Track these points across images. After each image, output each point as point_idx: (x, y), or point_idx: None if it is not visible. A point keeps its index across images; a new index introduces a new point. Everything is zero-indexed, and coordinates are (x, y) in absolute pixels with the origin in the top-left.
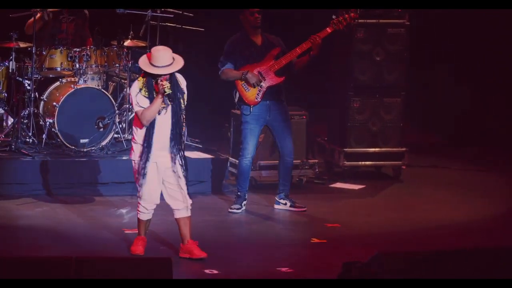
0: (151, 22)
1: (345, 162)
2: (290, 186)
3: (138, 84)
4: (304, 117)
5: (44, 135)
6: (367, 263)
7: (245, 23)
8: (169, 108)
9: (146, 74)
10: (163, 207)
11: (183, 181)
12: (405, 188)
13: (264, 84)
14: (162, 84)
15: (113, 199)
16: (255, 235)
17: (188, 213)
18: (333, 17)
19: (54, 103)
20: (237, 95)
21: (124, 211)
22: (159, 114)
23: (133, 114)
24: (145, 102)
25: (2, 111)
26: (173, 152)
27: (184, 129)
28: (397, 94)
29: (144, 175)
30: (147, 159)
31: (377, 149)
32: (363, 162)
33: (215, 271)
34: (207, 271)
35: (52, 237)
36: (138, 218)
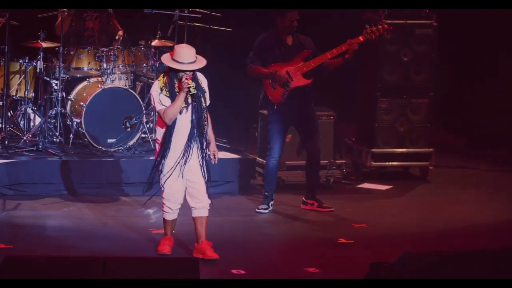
0: (179, 22)
1: (372, 162)
2: (317, 186)
3: (159, 83)
4: (331, 117)
5: (71, 135)
6: (394, 263)
7: (280, 24)
8: (190, 107)
9: (169, 70)
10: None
11: (202, 180)
12: (432, 189)
13: (291, 85)
14: (187, 83)
15: (140, 199)
16: (282, 236)
17: (205, 213)
18: (367, 26)
19: (82, 103)
20: (263, 93)
21: (151, 211)
22: (180, 113)
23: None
24: (167, 101)
25: (30, 111)
26: (193, 151)
27: (205, 128)
28: (424, 95)
29: (165, 180)
30: (167, 158)
31: (404, 150)
32: (390, 163)
33: (242, 271)
34: (234, 271)
35: (80, 237)
36: (164, 218)
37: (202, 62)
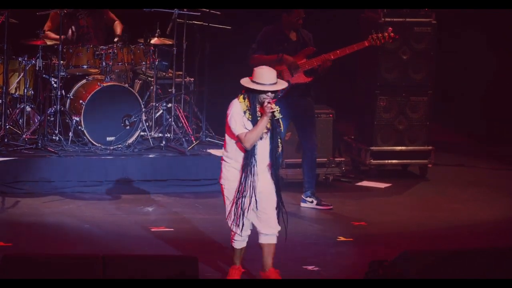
0: (177, 20)
1: (372, 160)
2: (316, 183)
3: (241, 106)
4: (331, 115)
5: (70, 133)
6: (394, 262)
7: (285, 21)
8: (269, 132)
9: (249, 92)
10: (189, 205)
11: (274, 207)
12: (431, 187)
13: (291, 81)
14: (271, 107)
15: (140, 197)
16: (281, 234)
17: (274, 240)
18: (372, 31)
19: (81, 101)
20: None
21: (150, 209)
22: (260, 139)
23: (160, 112)
24: (250, 125)
25: (29, 109)
26: (270, 177)
27: (280, 155)
28: (423, 93)
29: (243, 205)
30: (246, 185)
31: (403, 148)
32: (389, 161)
33: (241, 270)
34: None
35: (79, 235)
36: (233, 247)
37: (283, 84)
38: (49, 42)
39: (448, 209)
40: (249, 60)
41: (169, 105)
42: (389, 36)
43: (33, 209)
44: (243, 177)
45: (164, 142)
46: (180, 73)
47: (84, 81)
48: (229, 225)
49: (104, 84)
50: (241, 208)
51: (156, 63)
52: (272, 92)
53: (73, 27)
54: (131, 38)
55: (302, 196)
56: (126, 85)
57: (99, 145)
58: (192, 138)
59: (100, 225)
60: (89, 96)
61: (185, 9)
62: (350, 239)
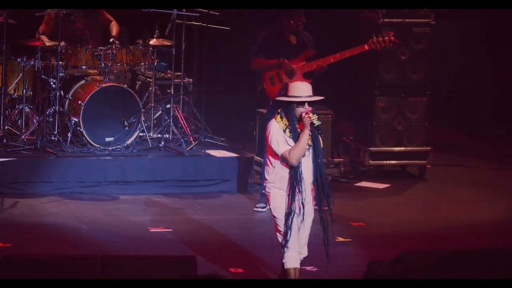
0: (176, 21)
1: (370, 161)
2: None
3: (280, 125)
4: (329, 116)
5: (69, 133)
6: (393, 262)
7: (285, 24)
8: (310, 149)
9: (286, 109)
10: (188, 206)
11: (309, 229)
12: (430, 187)
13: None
14: (309, 117)
15: (139, 197)
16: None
17: (298, 264)
18: (373, 35)
19: (80, 102)
20: (261, 87)
21: (149, 209)
22: (303, 156)
23: (159, 113)
24: (292, 143)
25: (28, 110)
26: (311, 198)
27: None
28: (422, 93)
29: (291, 224)
30: (294, 208)
31: (402, 148)
32: (388, 161)
33: (240, 270)
34: (232, 269)
35: (78, 235)
36: (285, 268)
37: (319, 96)
38: (47, 43)
39: (447, 210)
40: (251, 64)
41: (168, 105)
42: (390, 40)
43: (32, 210)
44: (290, 193)
45: (163, 143)
46: (179, 73)
47: (83, 81)
48: (281, 244)
49: (103, 85)
50: (291, 223)
51: (155, 63)
52: (309, 104)
53: (62, 43)
54: (130, 38)
55: None
56: (125, 86)
57: (98, 145)
58: (191, 139)
59: (99, 226)
60: (88, 97)
61: (184, 10)
62: (349, 240)
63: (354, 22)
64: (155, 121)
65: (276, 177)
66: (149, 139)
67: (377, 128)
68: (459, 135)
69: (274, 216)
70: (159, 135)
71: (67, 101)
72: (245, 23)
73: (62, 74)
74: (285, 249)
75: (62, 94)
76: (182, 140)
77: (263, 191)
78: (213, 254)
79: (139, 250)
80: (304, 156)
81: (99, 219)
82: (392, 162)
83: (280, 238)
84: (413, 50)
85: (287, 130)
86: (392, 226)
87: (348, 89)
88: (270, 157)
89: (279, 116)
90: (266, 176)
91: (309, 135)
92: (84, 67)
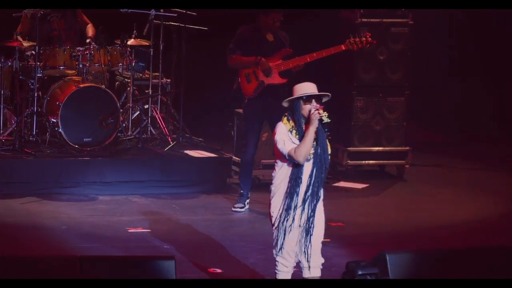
0: (154, 21)
1: (349, 161)
2: None
3: (286, 127)
4: None
5: (47, 134)
6: (372, 262)
7: (262, 22)
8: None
9: (293, 110)
10: (166, 206)
11: (320, 236)
12: (408, 187)
13: (266, 81)
14: (318, 113)
15: (117, 198)
16: (258, 234)
17: (318, 273)
18: (350, 35)
19: (58, 102)
20: (236, 84)
21: (128, 210)
22: (308, 160)
23: (137, 113)
24: (298, 142)
25: (6, 110)
26: (316, 201)
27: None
28: (400, 93)
29: (284, 227)
30: (289, 208)
31: (380, 148)
32: (366, 161)
33: (218, 270)
34: (210, 270)
35: (56, 236)
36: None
37: (326, 93)
38: (25, 44)
39: (425, 209)
40: (228, 60)
41: (146, 106)
42: (367, 41)
43: (10, 211)
44: (286, 199)
45: (141, 143)
46: (157, 74)
47: (61, 82)
48: (275, 255)
49: (81, 86)
50: (284, 229)
51: (133, 64)
52: (316, 100)
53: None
54: (108, 39)
55: None
56: (103, 86)
57: (76, 146)
58: (169, 139)
59: (77, 226)
60: (66, 98)
61: (161, 10)
62: (327, 240)
63: (332, 22)
64: (133, 121)
65: (282, 182)
66: (127, 139)
67: (356, 128)
68: (437, 135)
69: (272, 223)
70: (137, 136)
71: (45, 101)
72: (223, 23)
73: (40, 75)
74: (276, 257)
75: (40, 94)
76: (161, 140)
77: (241, 191)
78: (192, 255)
79: (117, 250)
80: (308, 160)
81: (77, 220)
82: (371, 162)
83: (274, 243)
84: (392, 50)
85: (294, 131)
86: (371, 226)
87: (326, 89)
88: (278, 161)
89: (285, 118)
90: (273, 180)
91: (315, 132)
92: (62, 67)
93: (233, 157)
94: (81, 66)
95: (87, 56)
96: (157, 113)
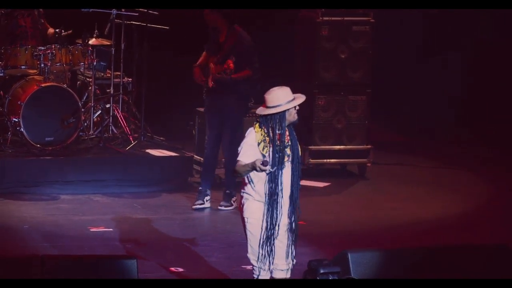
0: (116, 20)
1: (310, 159)
2: (230, 184)
3: (256, 136)
4: None
5: (9, 133)
6: (333, 261)
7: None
8: (290, 161)
9: (264, 119)
10: (128, 205)
11: (292, 240)
12: (370, 186)
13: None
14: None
15: (79, 197)
16: (219, 233)
17: (288, 275)
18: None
19: (19, 102)
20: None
21: (90, 209)
22: (281, 169)
23: (98, 112)
24: (258, 155)
25: None
26: (293, 209)
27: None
28: (362, 92)
29: (269, 239)
30: (273, 218)
31: (342, 147)
32: (328, 160)
33: (180, 269)
34: (172, 269)
35: (18, 235)
36: None
37: (302, 97)
38: None
39: (387, 208)
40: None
41: (107, 105)
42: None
43: None
44: (268, 210)
45: (102, 143)
46: (118, 73)
47: (22, 81)
48: (252, 260)
49: (43, 85)
50: (271, 242)
51: (95, 63)
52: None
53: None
54: (69, 38)
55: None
56: (65, 86)
57: (38, 145)
58: (131, 138)
59: (39, 225)
60: (28, 97)
61: (123, 10)
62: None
63: (291, 21)
64: (94, 120)
65: (256, 189)
66: (89, 138)
67: (317, 126)
68: (400, 134)
69: (245, 228)
70: (99, 135)
71: (7, 101)
72: (184, 22)
73: (2, 74)
74: (256, 268)
75: (2, 94)
76: (122, 139)
77: (200, 188)
78: (154, 254)
79: (79, 249)
80: (282, 169)
81: (39, 219)
82: (332, 160)
83: (251, 254)
84: (352, 49)
85: (262, 144)
86: (333, 224)
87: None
88: None
89: (257, 125)
90: (243, 187)
91: (287, 135)
92: (23, 67)
93: (195, 156)
94: (42, 65)
95: (48, 55)
96: (118, 112)
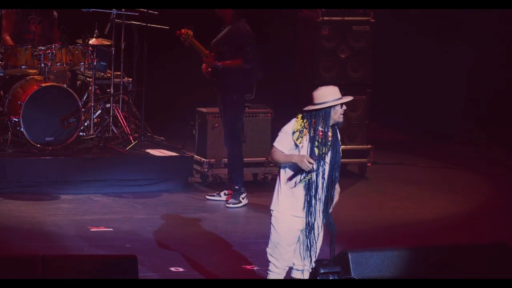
0: (116, 20)
1: None
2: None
3: (295, 125)
4: (269, 114)
5: (9, 133)
6: (334, 261)
7: None
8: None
9: (308, 114)
10: (128, 205)
11: (320, 243)
12: (371, 186)
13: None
14: (307, 166)
15: (79, 197)
16: (220, 233)
17: (305, 276)
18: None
19: (19, 102)
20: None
21: (90, 209)
22: (315, 170)
23: (98, 112)
24: (291, 145)
25: None
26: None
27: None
28: (362, 92)
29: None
30: (311, 218)
31: (342, 147)
32: None
33: (180, 269)
34: (172, 269)
35: (19, 235)
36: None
37: (348, 97)
38: None
39: (387, 208)
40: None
41: (108, 105)
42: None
43: None
44: (307, 209)
45: (103, 143)
46: (119, 73)
47: (22, 81)
48: (269, 256)
49: (43, 85)
50: (310, 241)
51: (95, 63)
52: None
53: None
54: (70, 38)
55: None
56: (65, 86)
57: (38, 145)
58: (131, 138)
59: (39, 226)
60: (28, 97)
61: (123, 9)
62: None
63: (291, 21)
64: (95, 120)
65: (286, 199)
66: (89, 138)
67: None
68: (400, 134)
69: (277, 242)
70: (99, 135)
71: (7, 101)
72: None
73: (2, 74)
74: (270, 259)
75: (2, 93)
76: (122, 139)
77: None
78: (154, 254)
79: (79, 249)
80: (324, 165)
81: (40, 219)
82: None
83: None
84: (353, 48)
85: (297, 134)
86: None
87: (287, 87)
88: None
89: (300, 116)
90: (280, 178)
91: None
92: (23, 67)
93: (195, 156)
94: (43, 65)
95: (48, 55)
96: (118, 112)
